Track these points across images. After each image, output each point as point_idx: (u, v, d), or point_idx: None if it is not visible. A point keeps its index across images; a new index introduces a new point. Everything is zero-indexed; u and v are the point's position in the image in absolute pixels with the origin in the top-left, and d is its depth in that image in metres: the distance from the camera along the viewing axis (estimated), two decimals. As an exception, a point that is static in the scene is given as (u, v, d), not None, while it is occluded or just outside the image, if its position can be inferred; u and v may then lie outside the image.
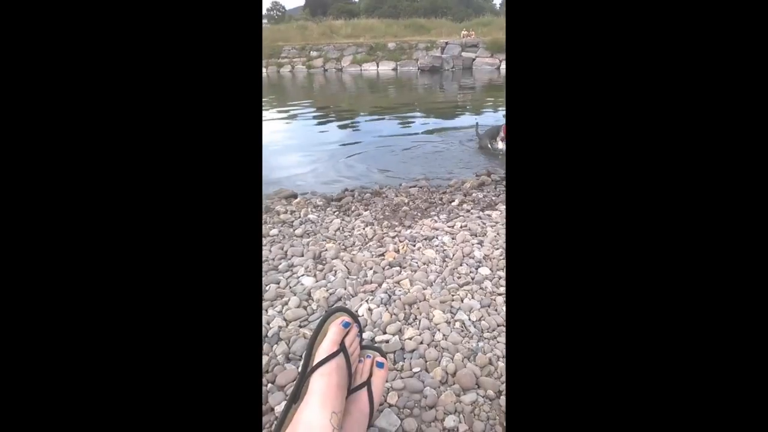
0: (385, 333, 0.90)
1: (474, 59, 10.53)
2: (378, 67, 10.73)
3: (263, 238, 1.43)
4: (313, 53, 11.48)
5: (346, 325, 0.62)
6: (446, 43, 10.95)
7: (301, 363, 0.60)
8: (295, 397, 0.58)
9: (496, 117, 4.12)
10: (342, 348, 0.60)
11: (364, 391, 0.60)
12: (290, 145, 3.26)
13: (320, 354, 0.59)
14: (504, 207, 1.63)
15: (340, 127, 4.07)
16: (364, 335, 0.89)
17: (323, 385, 0.56)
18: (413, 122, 4.07)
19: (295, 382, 0.59)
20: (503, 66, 9.60)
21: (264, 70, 11.14)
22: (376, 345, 0.80)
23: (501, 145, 2.79)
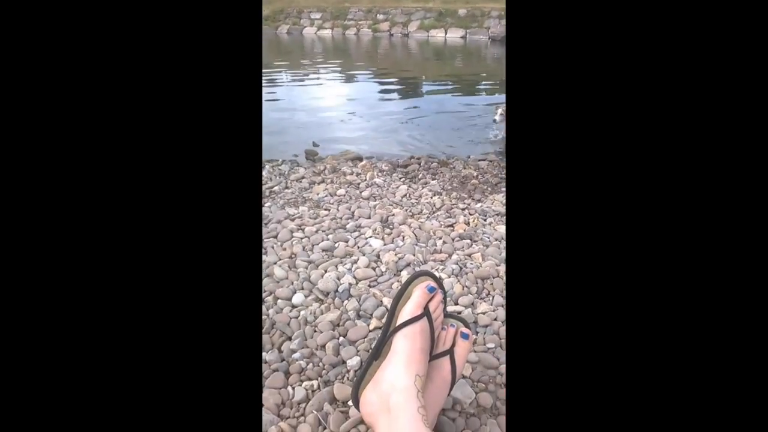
0: (456, 304, 0.87)
1: (551, 31, 9.72)
2: (446, 34, 10.24)
3: (331, 197, 1.43)
4: (380, 16, 11.18)
5: (431, 289, 0.60)
6: (522, 12, 10.16)
7: (384, 322, 0.59)
8: (377, 354, 0.57)
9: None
10: (426, 312, 0.58)
11: (446, 359, 0.58)
12: (350, 109, 3.23)
13: (404, 315, 0.58)
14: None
15: (401, 93, 3.97)
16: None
17: (407, 346, 0.55)
18: (480, 93, 3.87)
19: (377, 340, 0.58)
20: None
21: (329, 31, 11.07)
22: (459, 315, 0.78)
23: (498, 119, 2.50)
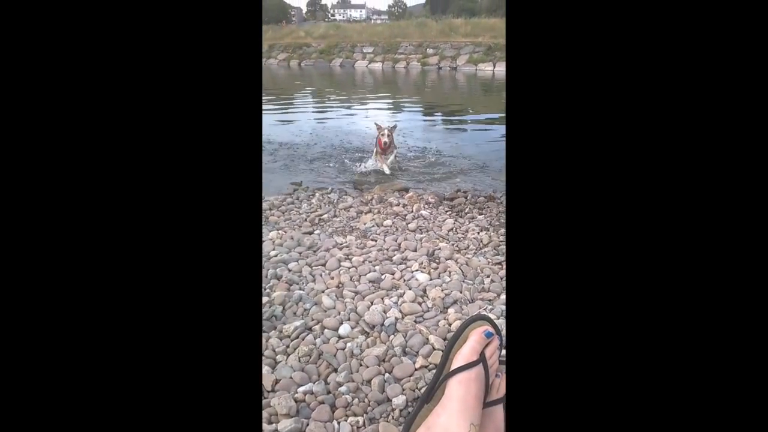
0: (505, 348, 0.84)
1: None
2: (494, 67, 10.34)
3: (378, 227, 1.45)
4: (429, 50, 11.52)
5: (489, 335, 0.58)
6: (573, 47, 10.08)
7: (438, 364, 0.58)
8: (428, 398, 0.56)
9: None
10: (482, 358, 0.57)
11: (500, 408, 0.56)
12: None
13: (459, 360, 0.56)
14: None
15: (446, 125, 4.00)
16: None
17: (462, 392, 0.53)
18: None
19: (429, 383, 0.57)
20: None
21: (380, 65, 11.53)
22: None
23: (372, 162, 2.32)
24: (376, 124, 2.43)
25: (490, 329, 0.59)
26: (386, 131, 2.30)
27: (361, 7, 56.52)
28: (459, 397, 0.53)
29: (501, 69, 10.28)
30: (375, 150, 2.39)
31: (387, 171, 2.29)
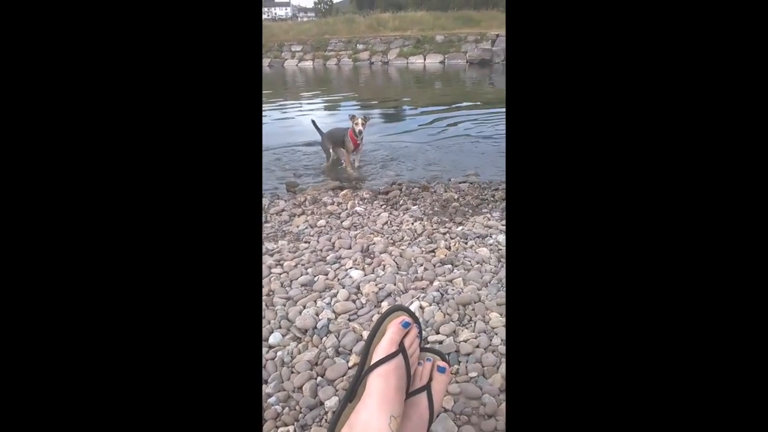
0: (438, 333, 0.86)
1: (525, 52, 10.07)
2: (425, 60, 10.57)
3: (311, 229, 1.43)
4: (360, 46, 11.51)
5: (406, 325, 0.58)
6: (497, 36, 10.57)
7: (359, 361, 0.57)
8: (351, 396, 0.55)
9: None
10: (401, 349, 0.57)
11: (423, 396, 0.57)
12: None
13: (378, 353, 0.56)
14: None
15: (384, 118, 4.03)
16: (416, 334, 0.85)
17: (382, 386, 0.53)
18: (459, 116, 3.96)
19: (351, 380, 0.56)
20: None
21: (310, 63, 11.33)
22: (436, 348, 0.76)
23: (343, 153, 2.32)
24: (350, 114, 2.36)
25: (408, 319, 0.59)
26: (360, 120, 2.26)
27: (286, 4, 55.11)
28: (378, 391, 0.52)
29: (431, 61, 10.54)
30: (344, 147, 2.33)
31: (354, 173, 2.26)
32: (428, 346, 0.82)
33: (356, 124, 2.26)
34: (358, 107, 4.92)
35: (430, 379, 0.59)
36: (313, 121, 2.54)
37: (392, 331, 0.58)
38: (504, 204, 1.61)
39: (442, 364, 0.60)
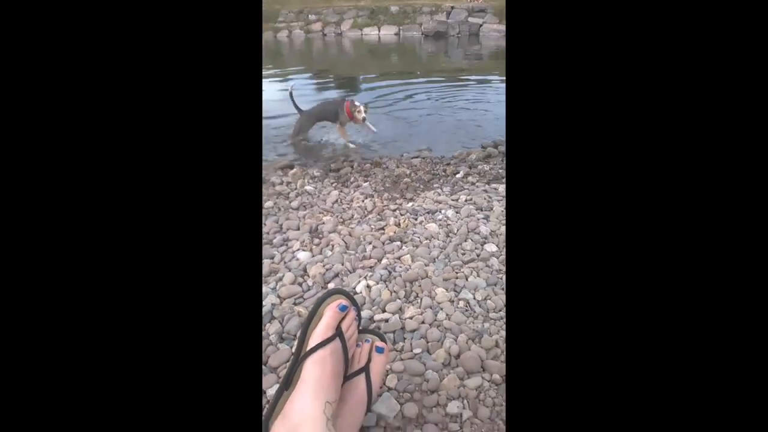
0: (384, 312, 0.86)
1: (481, 25, 10.05)
2: (380, 31, 10.29)
3: (258, 210, 1.37)
4: (312, 17, 10.99)
5: (343, 308, 0.57)
6: (452, 8, 10.44)
7: (294, 348, 0.55)
8: (287, 384, 0.53)
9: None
10: (338, 333, 0.55)
11: (361, 378, 0.56)
12: (286, 111, 3.13)
13: (314, 339, 0.54)
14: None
15: (340, 90, 3.92)
16: (363, 314, 0.84)
17: (317, 372, 0.52)
18: (415, 90, 3.91)
19: (287, 368, 0.55)
20: (510, 32, 9.21)
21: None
22: (374, 328, 0.76)
23: (339, 134, 2.22)
24: (350, 101, 2.25)
25: (345, 302, 0.57)
26: (362, 107, 2.22)
27: (233, -30, 51.31)
28: (313, 378, 0.51)
29: (386, 32, 10.29)
30: (339, 121, 2.25)
31: (351, 145, 2.25)
32: (374, 325, 0.82)
33: (358, 112, 2.21)
34: (311, 79, 4.72)
35: (369, 360, 0.58)
36: (291, 94, 2.32)
37: (328, 315, 0.56)
38: (454, 179, 1.62)
39: (380, 344, 0.59)
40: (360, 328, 0.61)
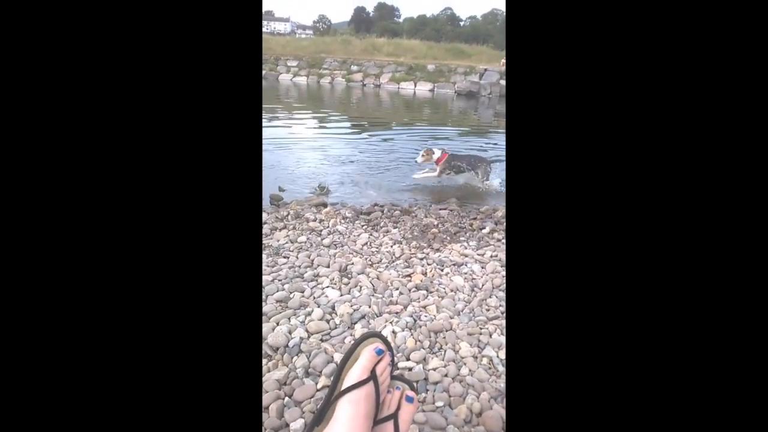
0: (408, 360, 0.87)
1: (512, 88, 10.47)
2: (415, 86, 10.84)
3: (291, 244, 1.42)
4: (354, 67, 11.73)
5: (380, 352, 0.59)
6: (485, 70, 10.99)
7: (330, 384, 0.57)
8: (319, 420, 0.55)
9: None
10: (373, 376, 0.57)
11: (390, 425, 0.57)
12: (321, 156, 3.29)
13: (350, 379, 0.57)
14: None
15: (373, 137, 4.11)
16: (387, 359, 0.85)
17: (351, 412, 0.53)
18: (445, 144, 4.06)
19: (321, 404, 0.56)
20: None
21: (304, 78, 11.44)
22: (406, 377, 0.77)
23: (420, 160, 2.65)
24: (428, 149, 2.71)
25: (381, 346, 0.60)
26: (440, 152, 2.66)
27: (286, 20, 55.92)
28: (348, 418, 0.52)
29: (421, 88, 10.82)
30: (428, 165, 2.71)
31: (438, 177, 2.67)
32: (398, 372, 0.83)
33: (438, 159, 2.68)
34: (348, 124, 4.98)
35: (398, 408, 0.59)
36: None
37: (365, 357, 0.58)
38: (480, 234, 1.65)
39: (410, 393, 0.61)
40: (392, 374, 0.63)
